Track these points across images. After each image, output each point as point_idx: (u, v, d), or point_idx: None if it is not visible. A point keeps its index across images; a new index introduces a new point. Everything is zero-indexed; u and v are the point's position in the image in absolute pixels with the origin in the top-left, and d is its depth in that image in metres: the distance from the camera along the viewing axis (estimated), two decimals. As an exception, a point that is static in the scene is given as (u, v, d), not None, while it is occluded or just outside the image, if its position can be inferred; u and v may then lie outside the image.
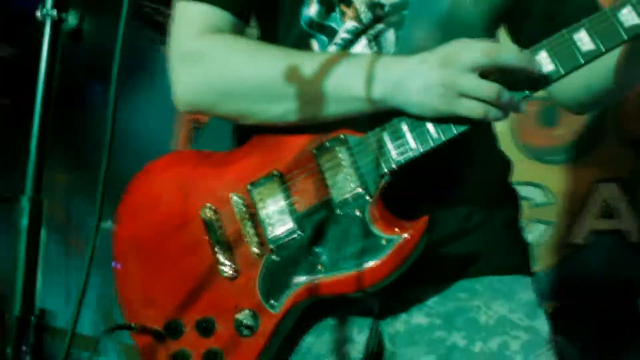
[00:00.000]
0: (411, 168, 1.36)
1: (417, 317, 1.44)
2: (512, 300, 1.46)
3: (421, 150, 1.34)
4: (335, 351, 1.44)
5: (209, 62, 1.45)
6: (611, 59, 1.43)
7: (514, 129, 2.90)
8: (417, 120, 1.34)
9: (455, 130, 1.33)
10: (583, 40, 1.30)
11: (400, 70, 1.33)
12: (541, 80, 1.32)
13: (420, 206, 1.38)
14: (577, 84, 1.56)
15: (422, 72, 1.31)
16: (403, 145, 1.35)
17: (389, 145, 1.35)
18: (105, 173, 1.05)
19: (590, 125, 2.79)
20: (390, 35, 1.48)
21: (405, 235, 1.32)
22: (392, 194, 1.36)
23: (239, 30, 1.50)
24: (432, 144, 1.33)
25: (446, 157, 1.38)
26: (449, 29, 1.42)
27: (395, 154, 1.35)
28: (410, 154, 1.34)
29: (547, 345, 1.44)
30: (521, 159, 2.89)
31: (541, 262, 2.73)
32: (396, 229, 1.33)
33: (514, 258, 1.52)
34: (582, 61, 1.30)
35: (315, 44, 1.49)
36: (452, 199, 1.47)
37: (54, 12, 1.04)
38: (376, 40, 1.47)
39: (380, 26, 1.47)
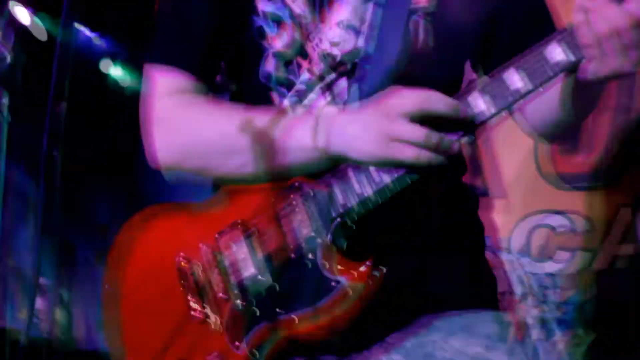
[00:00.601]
0: (372, 213, 1.44)
1: (377, 353, 1.53)
2: (470, 335, 1.51)
3: (365, 195, 1.41)
4: (305, 389, 1.52)
5: (173, 126, 1.58)
6: (556, 93, 1.48)
7: (537, 157, 2.94)
8: (362, 166, 1.42)
9: (395, 173, 1.40)
10: (512, 79, 1.36)
11: (340, 119, 1.43)
12: (475, 122, 1.38)
13: (382, 248, 1.46)
14: (532, 118, 1.62)
15: (359, 120, 1.40)
16: (349, 191, 1.43)
17: (337, 191, 1.44)
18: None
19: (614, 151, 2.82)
20: (343, 84, 1.56)
21: (349, 277, 1.40)
22: (355, 236, 1.45)
23: (201, 88, 1.62)
24: (374, 188, 1.41)
25: (407, 204, 1.46)
26: (406, 77, 1.49)
27: (342, 200, 1.43)
28: (356, 199, 1.42)
29: None
30: (543, 186, 2.92)
31: (567, 289, 2.75)
32: (344, 272, 1.41)
33: (474, 295, 1.58)
34: (511, 100, 1.36)
35: (275, 96, 1.59)
36: (413, 243, 1.54)
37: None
38: (330, 89, 1.57)
39: (333, 76, 1.57)
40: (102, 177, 4.66)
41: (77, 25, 6.20)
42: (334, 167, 1.45)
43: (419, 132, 1.35)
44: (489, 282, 1.64)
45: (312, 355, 1.53)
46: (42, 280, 5.45)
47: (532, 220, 2.89)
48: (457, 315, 1.53)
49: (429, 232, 1.56)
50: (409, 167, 1.38)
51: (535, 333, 2.82)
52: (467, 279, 1.58)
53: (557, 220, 2.84)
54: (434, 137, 1.35)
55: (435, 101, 1.36)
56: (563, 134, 1.80)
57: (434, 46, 1.56)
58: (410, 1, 1.56)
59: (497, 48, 1.61)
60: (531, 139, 2.44)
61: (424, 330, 1.51)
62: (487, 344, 1.51)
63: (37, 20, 5.73)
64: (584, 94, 1.46)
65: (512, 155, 3.02)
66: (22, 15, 5.43)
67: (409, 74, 1.51)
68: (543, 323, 2.83)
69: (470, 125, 1.38)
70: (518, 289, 2.89)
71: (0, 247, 5.12)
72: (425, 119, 1.36)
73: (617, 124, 2.76)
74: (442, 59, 1.56)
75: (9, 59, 3.39)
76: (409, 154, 1.35)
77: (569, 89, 1.46)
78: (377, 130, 1.37)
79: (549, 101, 1.52)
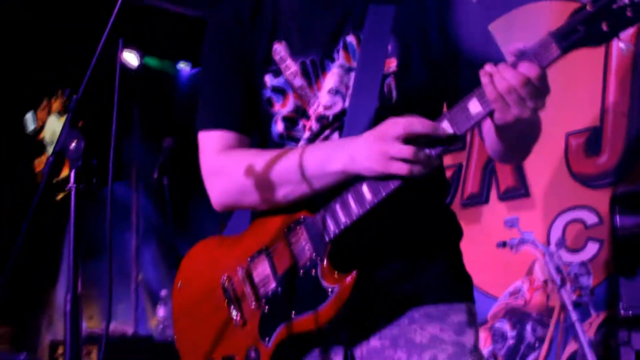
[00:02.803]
0: (360, 231, 1.88)
1: (373, 341, 1.95)
2: (443, 322, 1.92)
3: (348, 222, 1.86)
4: (321, 370, 1.99)
5: (225, 176, 2.02)
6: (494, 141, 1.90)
7: (568, 160, 3.26)
8: (344, 201, 1.86)
9: (389, 187, 1.80)
10: (444, 128, 1.76)
11: (352, 146, 1.83)
12: (448, 140, 1.76)
13: (370, 258, 1.91)
14: (488, 149, 2.03)
15: (365, 146, 1.80)
16: (336, 220, 1.88)
17: (329, 221, 1.89)
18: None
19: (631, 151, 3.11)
20: (335, 137, 1.98)
21: (339, 286, 1.85)
22: (346, 250, 1.90)
23: (244, 141, 2.05)
24: (354, 217, 1.85)
25: (392, 219, 1.90)
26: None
27: (332, 227, 1.88)
28: (342, 226, 1.87)
29: (472, 354, 1.90)
30: (574, 185, 3.24)
31: (594, 277, 3.07)
32: (336, 282, 1.86)
33: (450, 290, 1.98)
34: (445, 145, 1.77)
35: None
36: (397, 251, 1.97)
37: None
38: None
39: (327, 132, 2.00)
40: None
41: (181, 64, 6.85)
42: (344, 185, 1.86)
43: (409, 151, 1.73)
44: (462, 280, 2.05)
45: (325, 346, 2.00)
46: (164, 292, 6.13)
47: (566, 216, 3.22)
48: (433, 308, 1.95)
49: (408, 235, 1.95)
50: (404, 179, 1.77)
51: (574, 315, 3.16)
52: (443, 276, 1.97)
53: (586, 215, 3.17)
54: (421, 153, 1.74)
55: (418, 125, 1.75)
56: (510, 159, 2.18)
57: (401, 100, 1.98)
58: (383, 67, 1.98)
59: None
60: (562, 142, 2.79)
61: (406, 320, 1.94)
62: (457, 330, 1.93)
63: (147, 61, 6.43)
64: (507, 133, 1.85)
65: (547, 159, 3.36)
66: (131, 59, 6.13)
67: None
68: (580, 306, 3.16)
69: (446, 143, 1.75)
70: (557, 278, 3.24)
71: (131, 264, 5.82)
72: (412, 140, 1.74)
73: (632, 128, 3.05)
74: (408, 111, 1.95)
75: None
76: (404, 169, 1.74)
77: (495, 130, 1.86)
78: (379, 152, 1.76)
79: (491, 139, 1.93)
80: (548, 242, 3.30)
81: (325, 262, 1.89)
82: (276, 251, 1.98)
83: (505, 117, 1.70)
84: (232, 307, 2.03)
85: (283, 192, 1.94)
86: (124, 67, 6.35)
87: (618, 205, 2.72)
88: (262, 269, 1.99)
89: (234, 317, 2.02)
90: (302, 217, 1.94)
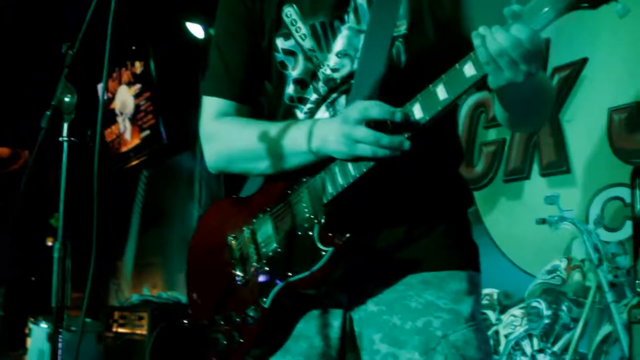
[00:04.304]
0: (361, 195, 1.88)
1: (371, 306, 1.95)
2: (440, 290, 1.89)
3: (344, 184, 1.85)
4: (320, 332, 1.99)
5: (216, 141, 2.08)
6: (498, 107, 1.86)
7: (610, 136, 3.17)
8: (343, 163, 1.86)
9: (364, 167, 1.82)
10: (439, 91, 1.74)
11: (324, 128, 1.85)
12: (416, 126, 1.75)
13: (370, 223, 1.91)
14: (497, 117, 1.99)
15: (334, 128, 1.81)
16: (334, 182, 1.88)
17: (327, 183, 1.89)
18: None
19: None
20: (342, 101, 1.99)
21: (334, 248, 1.85)
22: (346, 214, 1.90)
23: (242, 110, 2.09)
24: (350, 178, 1.84)
25: (392, 185, 1.89)
26: (388, 88, 1.91)
27: (330, 189, 1.88)
28: (339, 188, 1.86)
29: (468, 323, 1.88)
30: (616, 162, 3.15)
31: (633, 256, 2.97)
32: (331, 244, 1.86)
33: (450, 258, 1.94)
34: (439, 108, 1.74)
35: (298, 113, 2.06)
36: (397, 216, 1.95)
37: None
38: (332, 105, 2.01)
39: (334, 95, 2.01)
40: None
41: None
42: (329, 161, 1.88)
43: (371, 135, 1.73)
44: (467, 245, 2.01)
45: (324, 309, 2.00)
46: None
47: (605, 193, 3.14)
48: (431, 275, 1.92)
49: (409, 200, 1.93)
50: (372, 161, 1.78)
51: (610, 296, 3.07)
52: (445, 243, 1.94)
53: (626, 193, 3.06)
54: (384, 139, 1.73)
55: (375, 109, 1.74)
56: (519, 127, 2.13)
57: (410, 63, 1.96)
58: (393, 30, 1.97)
59: None
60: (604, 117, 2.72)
61: (403, 286, 1.92)
62: (454, 298, 1.90)
63: (212, 32, 6.49)
64: (507, 99, 1.82)
65: (588, 134, 3.28)
66: (196, 30, 6.20)
67: (390, 89, 1.91)
68: (616, 287, 3.07)
69: (413, 128, 1.75)
70: (595, 257, 3.15)
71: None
72: (377, 124, 1.74)
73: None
74: (416, 74, 1.94)
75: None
76: (368, 152, 1.75)
77: (497, 96, 1.82)
78: (343, 135, 1.77)
79: (496, 105, 1.89)
80: (587, 220, 3.22)
81: (322, 224, 1.89)
82: (279, 212, 1.99)
83: (498, 81, 1.66)
84: (237, 266, 2.06)
85: (263, 166, 1.99)
86: (190, 39, 6.44)
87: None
88: (265, 229, 2.01)
89: (238, 276, 2.05)
90: (304, 179, 1.95)
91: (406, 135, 1.75)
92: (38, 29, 6.98)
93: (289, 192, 1.97)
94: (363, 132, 1.75)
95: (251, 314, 2.00)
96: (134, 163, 7.76)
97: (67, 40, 1.75)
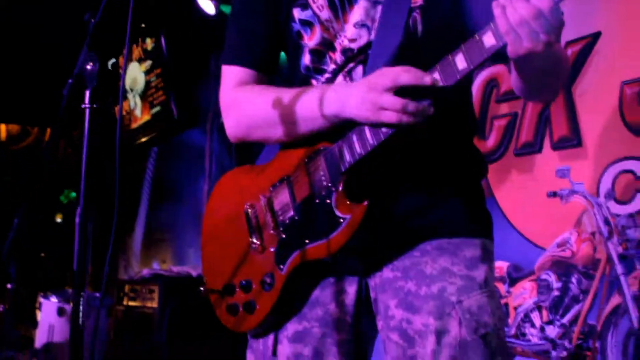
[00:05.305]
0: (378, 163, 1.90)
1: (386, 272, 1.98)
2: (455, 256, 1.92)
3: (362, 152, 1.87)
4: (335, 299, 2.02)
5: (236, 109, 2.10)
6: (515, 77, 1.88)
7: (622, 109, 3.18)
8: (361, 132, 1.89)
9: (382, 135, 1.85)
10: (458, 61, 1.76)
11: (343, 93, 1.87)
12: (440, 90, 1.76)
13: (387, 191, 1.93)
14: (514, 86, 2.01)
15: (357, 94, 1.82)
16: (352, 150, 1.90)
17: (345, 151, 1.91)
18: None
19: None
20: (359, 70, 2.01)
21: (351, 215, 1.88)
22: (363, 182, 1.92)
23: (262, 79, 2.12)
24: (369, 147, 1.87)
25: (409, 153, 1.92)
26: (404, 58, 1.93)
27: (348, 157, 1.91)
28: (357, 156, 1.89)
29: (482, 289, 1.90)
30: (627, 135, 3.16)
31: (642, 230, 2.99)
32: (348, 211, 1.89)
33: (464, 225, 1.96)
34: (458, 77, 1.75)
35: (314, 82, 2.09)
36: (413, 185, 1.98)
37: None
38: (350, 75, 2.03)
39: (351, 64, 2.03)
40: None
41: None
42: (349, 127, 1.90)
43: (399, 102, 1.75)
44: (480, 213, 2.04)
45: (340, 276, 2.03)
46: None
47: (617, 167, 3.15)
48: (446, 241, 1.94)
49: (424, 169, 1.96)
50: (395, 128, 1.80)
51: (619, 268, 3.10)
52: (459, 211, 1.97)
53: (637, 166, 3.09)
54: (411, 105, 1.75)
55: (406, 75, 1.76)
56: (535, 97, 2.15)
57: (425, 36, 1.98)
58: (410, 1, 1.99)
59: None
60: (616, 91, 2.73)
61: (418, 252, 1.95)
62: (468, 264, 1.93)
63: (223, 8, 6.49)
64: (525, 68, 1.83)
65: (600, 107, 3.28)
66: (207, 6, 6.19)
67: (407, 59, 1.92)
68: (625, 259, 3.09)
69: (435, 94, 1.76)
70: (605, 230, 3.17)
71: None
72: (405, 90, 1.77)
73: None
74: (433, 44, 1.96)
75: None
76: (393, 118, 1.77)
77: (514, 65, 1.84)
78: (370, 102, 1.79)
79: (513, 75, 1.91)
80: (598, 193, 3.24)
81: (339, 191, 1.92)
82: (296, 180, 2.02)
83: (518, 50, 1.67)
84: (253, 233, 2.09)
85: (280, 132, 2.01)
86: (201, 15, 6.44)
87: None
88: (283, 197, 2.04)
89: (254, 244, 2.08)
90: (321, 147, 1.97)
91: (429, 102, 1.77)
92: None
93: (307, 160, 2.00)
94: (390, 99, 1.77)
95: (268, 280, 2.03)
96: (144, 140, 7.78)
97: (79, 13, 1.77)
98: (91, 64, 1.69)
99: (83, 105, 1.69)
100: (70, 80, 1.73)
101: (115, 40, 2.00)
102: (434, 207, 1.98)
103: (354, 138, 1.89)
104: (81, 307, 1.89)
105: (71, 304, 6.28)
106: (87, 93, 1.68)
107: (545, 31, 1.63)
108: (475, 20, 1.94)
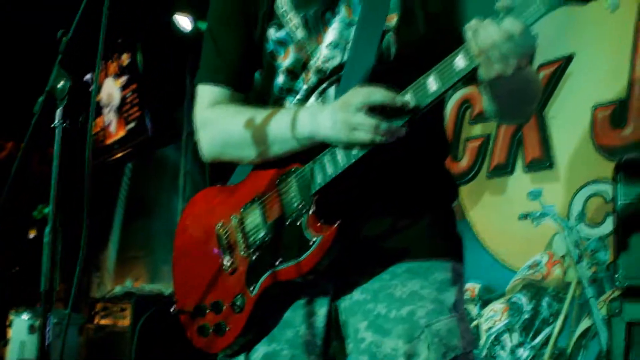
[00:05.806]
0: (349, 185, 1.90)
1: (356, 295, 1.97)
2: (425, 279, 1.92)
3: (333, 173, 1.88)
4: (306, 321, 2.02)
5: (210, 128, 2.09)
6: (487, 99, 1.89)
7: (592, 133, 3.21)
8: (332, 153, 1.89)
9: (353, 157, 1.85)
10: (430, 83, 1.77)
11: (316, 115, 1.88)
12: (412, 112, 1.78)
13: (357, 213, 1.93)
14: (485, 109, 2.02)
15: (330, 115, 1.84)
16: (324, 171, 1.90)
17: (316, 172, 1.92)
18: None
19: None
20: (332, 91, 2.02)
21: (322, 236, 1.88)
22: (335, 203, 1.92)
23: (237, 97, 2.11)
24: (339, 168, 1.87)
25: (380, 175, 1.92)
26: (377, 79, 1.93)
27: (319, 179, 1.91)
28: (328, 178, 1.89)
29: (451, 313, 1.90)
30: (597, 158, 3.19)
31: (612, 252, 3.02)
32: (319, 233, 1.89)
33: (434, 248, 1.97)
34: (431, 99, 1.77)
35: (287, 104, 2.08)
36: (384, 207, 1.98)
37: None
38: (322, 95, 2.03)
39: (324, 85, 2.03)
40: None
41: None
42: (320, 148, 1.90)
43: (372, 122, 1.76)
44: (450, 239, 2.04)
45: (311, 297, 2.03)
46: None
47: (588, 189, 3.18)
48: (416, 264, 1.94)
49: (396, 191, 1.96)
50: (368, 147, 1.80)
51: (590, 291, 3.12)
52: (430, 233, 1.97)
53: (608, 189, 3.11)
54: (383, 125, 1.76)
55: (378, 94, 1.77)
56: (506, 119, 2.17)
57: (399, 56, 1.98)
58: (384, 22, 1.99)
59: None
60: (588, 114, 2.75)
61: (388, 275, 1.95)
62: (438, 287, 1.93)
63: (200, 25, 6.49)
64: (496, 91, 1.85)
65: (572, 129, 3.32)
66: (184, 23, 6.19)
67: (380, 80, 1.92)
68: (595, 282, 3.12)
69: (409, 114, 1.77)
70: (575, 253, 3.20)
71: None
72: (377, 110, 1.77)
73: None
74: (405, 66, 1.97)
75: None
76: (367, 138, 1.78)
77: (484, 88, 1.85)
78: (342, 122, 1.80)
79: (484, 97, 1.93)
80: (569, 215, 3.26)
81: (310, 213, 1.92)
82: (268, 201, 2.02)
83: (489, 73, 1.69)
84: (224, 254, 2.08)
85: (253, 153, 2.01)
86: (177, 32, 6.43)
87: (623, 173, 2.64)
88: (254, 218, 2.03)
89: (225, 264, 2.07)
90: (293, 168, 1.97)
91: (402, 122, 1.78)
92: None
93: (278, 181, 2.00)
94: (362, 118, 1.78)
95: (238, 302, 2.02)
96: (118, 155, 7.75)
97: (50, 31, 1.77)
98: (62, 81, 1.68)
99: (53, 125, 1.68)
100: (40, 98, 1.72)
101: (90, 56, 1.99)
102: (405, 230, 1.98)
103: (325, 159, 1.90)
104: (49, 327, 1.87)
105: (31, 330, 6.23)
106: (58, 112, 1.67)
107: (516, 55, 1.65)
108: (449, 42, 1.96)
